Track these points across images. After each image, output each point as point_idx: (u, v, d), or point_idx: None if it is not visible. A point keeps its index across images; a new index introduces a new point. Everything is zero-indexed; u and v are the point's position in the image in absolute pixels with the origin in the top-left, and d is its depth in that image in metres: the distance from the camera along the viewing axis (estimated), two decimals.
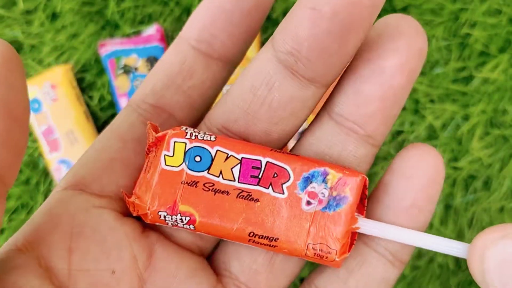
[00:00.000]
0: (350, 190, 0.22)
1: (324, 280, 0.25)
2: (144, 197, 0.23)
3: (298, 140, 0.24)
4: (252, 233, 0.22)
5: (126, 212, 0.24)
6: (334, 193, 0.22)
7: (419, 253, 0.54)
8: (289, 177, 0.22)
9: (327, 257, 0.22)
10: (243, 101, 0.23)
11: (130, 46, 0.56)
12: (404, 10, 0.55)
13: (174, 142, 0.23)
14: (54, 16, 0.57)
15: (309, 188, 0.22)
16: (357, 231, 0.23)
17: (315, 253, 0.22)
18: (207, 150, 0.23)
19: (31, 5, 0.57)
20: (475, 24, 0.54)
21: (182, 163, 0.23)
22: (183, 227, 0.23)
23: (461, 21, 0.54)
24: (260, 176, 0.22)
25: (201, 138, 0.23)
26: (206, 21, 0.24)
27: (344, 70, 0.23)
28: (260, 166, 0.22)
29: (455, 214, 0.54)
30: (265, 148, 0.23)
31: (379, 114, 0.22)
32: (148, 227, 0.24)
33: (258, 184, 0.23)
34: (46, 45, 0.57)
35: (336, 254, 0.22)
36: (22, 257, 0.21)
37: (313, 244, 0.22)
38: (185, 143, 0.23)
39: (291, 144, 0.41)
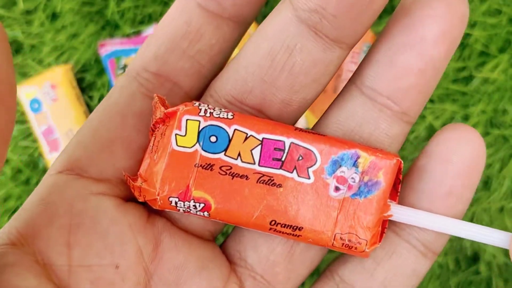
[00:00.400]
0: (383, 175, 0.19)
1: (349, 270, 0.22)
2: (152, 181, 0.20)
3: (323, 118, 0.21)
4: (273, 222, 0.20)
5: (128, 197, 0.21)
6: (366, 178, 0.19)
7: None
8: (316, 160, 0.20)
9: (356, 248, 0.20)
10: (259, 67, 0.20)
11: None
12: None
13: (187, 120, 0.20)
14: (54, 16, 0.57)
15: (338, 173, 0.20)
16: (390, 218, 0.20)
17: (343, 244, 0.20)
18: (224, 129, 0.20)
19: (31, 5, 0.57)
20: (475, 24, 0.54)
21: (196, 143, 0.20)
22: (196, 214, 0.20)
23: None
24: (283, 159, 0.20)
25: (217, 116, 0.20)
26: None
27: (376, 39, 0.20)
28: (283, 148, 0.20)
29: None
30: (288, 127, 0.20)
31: (416, 88, 0.19)
32: (153, 212, 0.21)
33: (281, 168, 0.20)
34: (46, 45, 0.56)
35: (366, 244, 0.20)
36: (17, 252, 0.18)
37: (341, 234, 0.20)
38: (199, 121, 0.20)
39: None
